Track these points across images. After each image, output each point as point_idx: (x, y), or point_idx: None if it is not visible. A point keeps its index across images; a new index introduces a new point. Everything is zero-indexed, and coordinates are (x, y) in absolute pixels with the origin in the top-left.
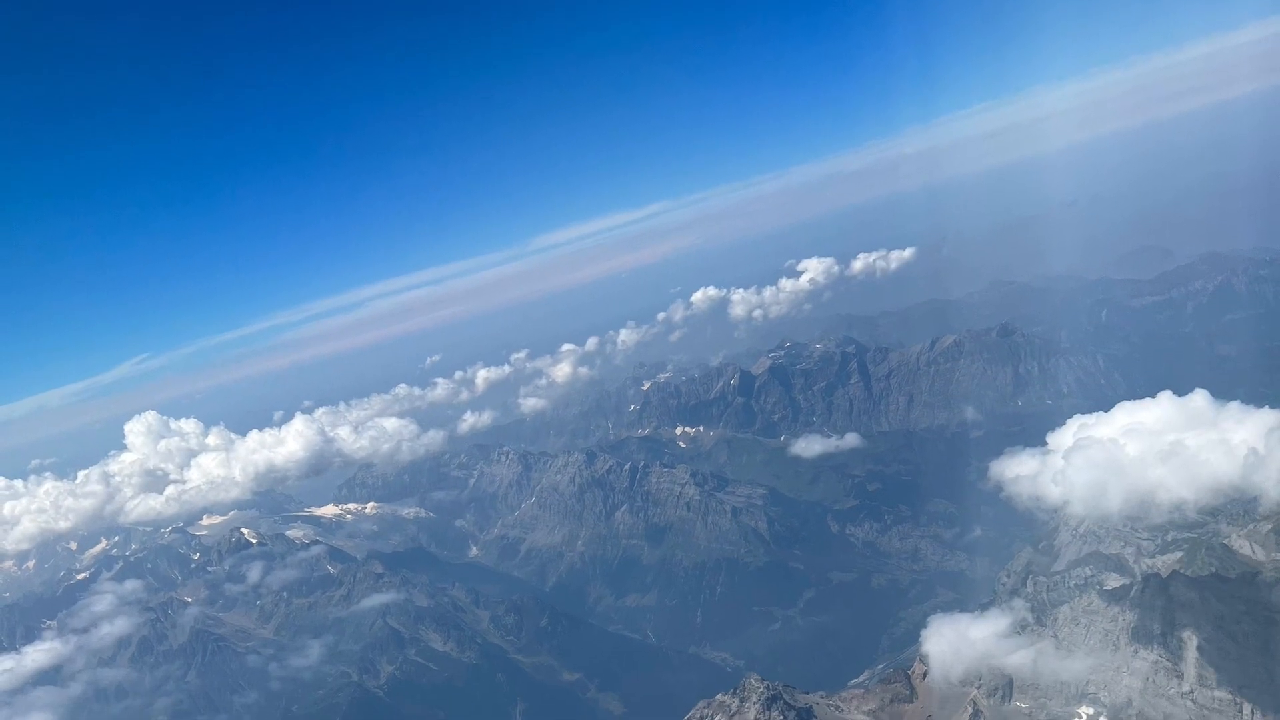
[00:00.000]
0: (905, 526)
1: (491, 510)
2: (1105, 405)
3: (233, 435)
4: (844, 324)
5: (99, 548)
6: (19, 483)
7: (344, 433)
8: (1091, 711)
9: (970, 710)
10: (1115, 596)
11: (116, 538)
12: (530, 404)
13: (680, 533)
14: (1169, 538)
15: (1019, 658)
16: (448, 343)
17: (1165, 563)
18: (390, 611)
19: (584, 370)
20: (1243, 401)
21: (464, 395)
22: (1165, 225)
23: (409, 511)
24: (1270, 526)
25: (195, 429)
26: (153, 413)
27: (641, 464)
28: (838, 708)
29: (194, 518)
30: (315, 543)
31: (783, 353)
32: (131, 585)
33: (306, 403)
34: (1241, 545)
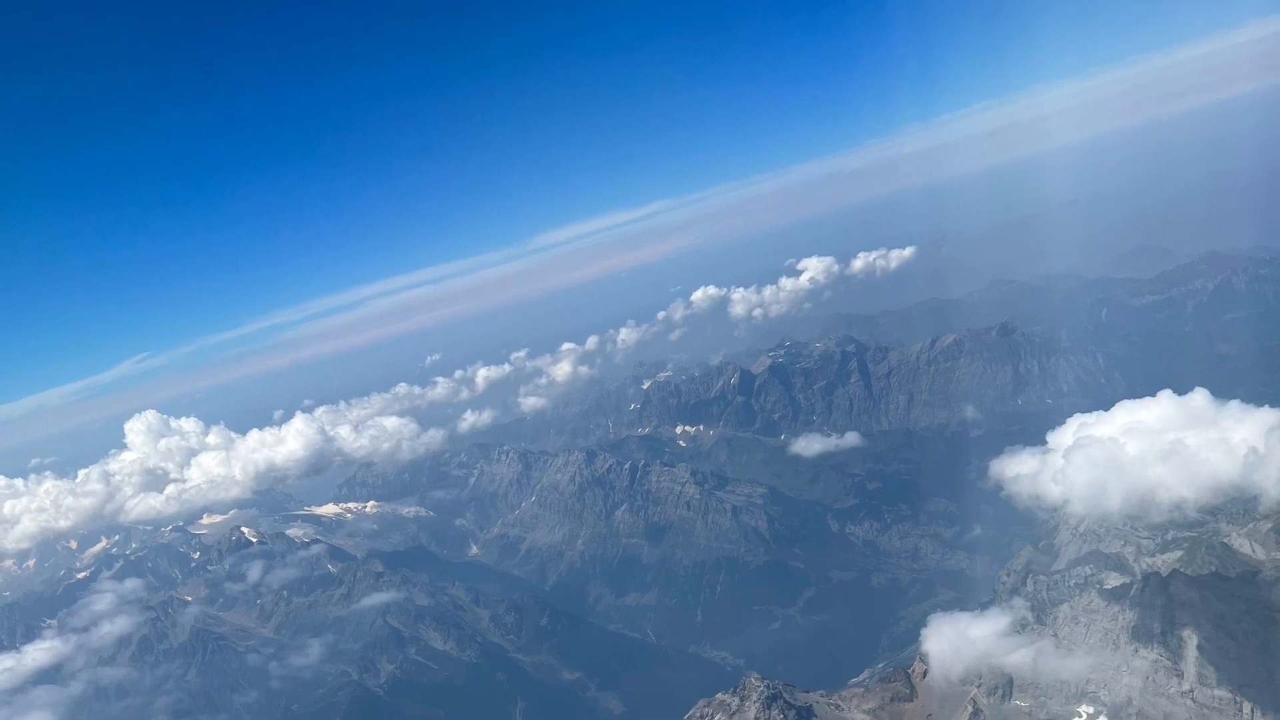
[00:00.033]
0: (905, 525)
1: (491, 509)
2: (1105, 404)
3: (233, 434)
4: (844, 323)
5: (99, 547)
6: (19, 481)
7: (344, 432)
8: (1091, 710)
9: (970, 709)
10: (1115, 595)
11: (117, 536)
12: (530, 403)
13: (680, 532)
14: (1169, 537)
15: (1019, 657)
16: (448, 341)
17: (1165, 561)
18: (390, 610)
19: (584, 369)
20: (1243, 400)
21: (464, 394)
22: (1165, 224)
23: (409, 510)
24: (1270, 525)
25: (195, 428)
26: (153, 412)
27: (641, 463)
28: (838, 706)
29: (194, 517)
30: (315, 542)
31: (783, 352)
32: (132, 584)
33: (307, 401)
34: (1241, 544)
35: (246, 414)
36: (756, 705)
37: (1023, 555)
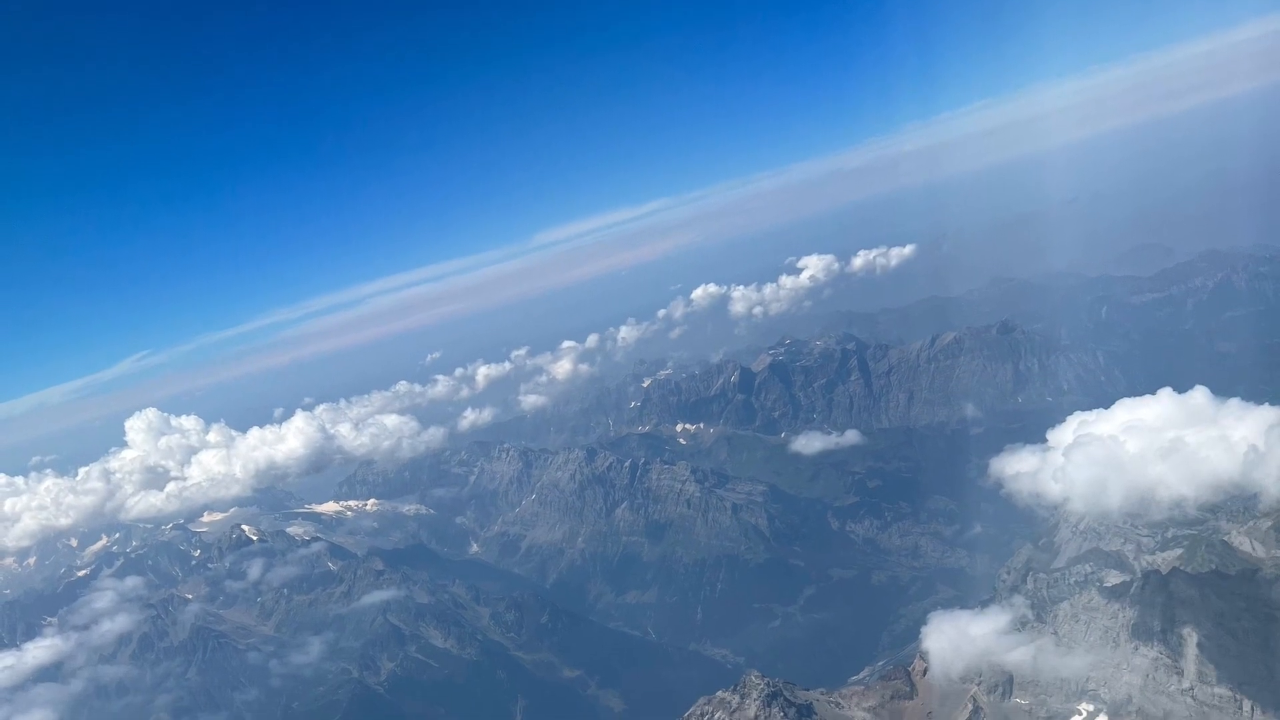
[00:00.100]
0: (905, 523)
1: (492, 507)
2: (1105, 402)
3: (233, 432)
4: (844, 321)
5: (100, 544)
6: (20, 479)
7: (344, 430)
8: (1091, 708)
9: (970, 707)
10: (1115, 593)
11: (117, 534)
12: (531, 401)
13: (680, 530)
14: (1169, 534)
15: (1019, 654)
16: (448, 340)
17: (1165, 559)
18: (391, 608)
19: (584, 367)
20: (1243, 398)
21: (464, 392)
22: (1165, 222)
23: (409, 508)
24: (1270, 523)
25: (196, 426)
26: (153, 410)
27: (642, 461)
28: (838, 704)
29: (195, 514)
30: (316, 540)
31: (783, 350)
32: (132, 582)
33: (307, 400)
34: (1241, 542)
35: (247, 412)
36: (757, 703)
37: (1023, 553)
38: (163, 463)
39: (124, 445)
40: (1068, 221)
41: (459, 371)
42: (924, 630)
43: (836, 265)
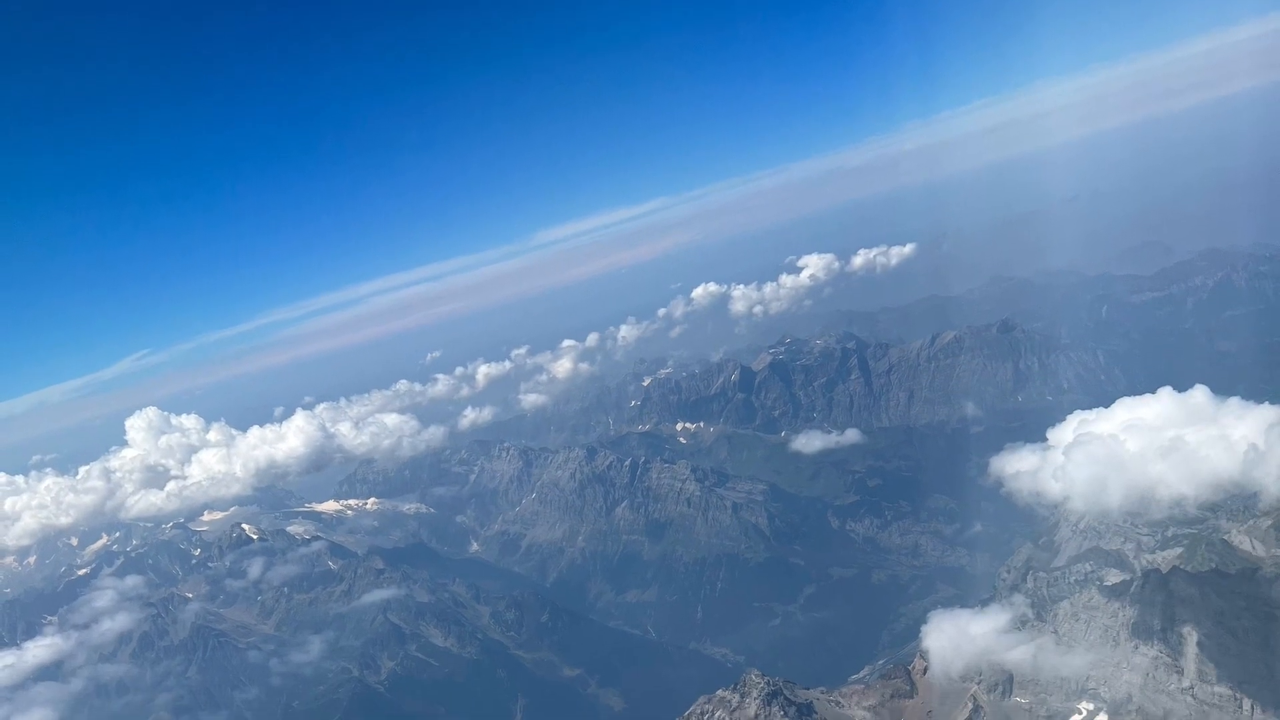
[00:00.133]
0: (905, 522)
1: (492, 506)
2: (1105, 401)
3: (234, 431)
4: (844, 320)
5: (100, 543)
6: (20, 478)
7: (345, 429)
8: (1091, 707)
9: (970, 706)
10: (1115, 592)
11: (117, 533)
12: (531, 400)
13: (681, 528)
14: (1169, 533)
15: (1019, 653)
16: (448, 339)
17: (1165, 558)
18: (391, 607)
19: (584, 366)
20: (1243, 397)
21: (465, 391)
22: (1165, 221)
23: (410, 507)
24: (1270, 522)
25: (196, 425)
26: (153, 408)
27: (642, 460)
28: (838, 703)
29: (195, 513)
30: (316, 538)
31: (783, 348)
32: (132, 581)
33: (307, 399)
34: (1241, 541)
35: (247, 411)
36: (757, 702)
37: (1023, 552)
38: (163, 461)
39: (124, 444)
40: (1068, 220)
41: (459, 370)
42: (924, 629)
43: (837, 264)
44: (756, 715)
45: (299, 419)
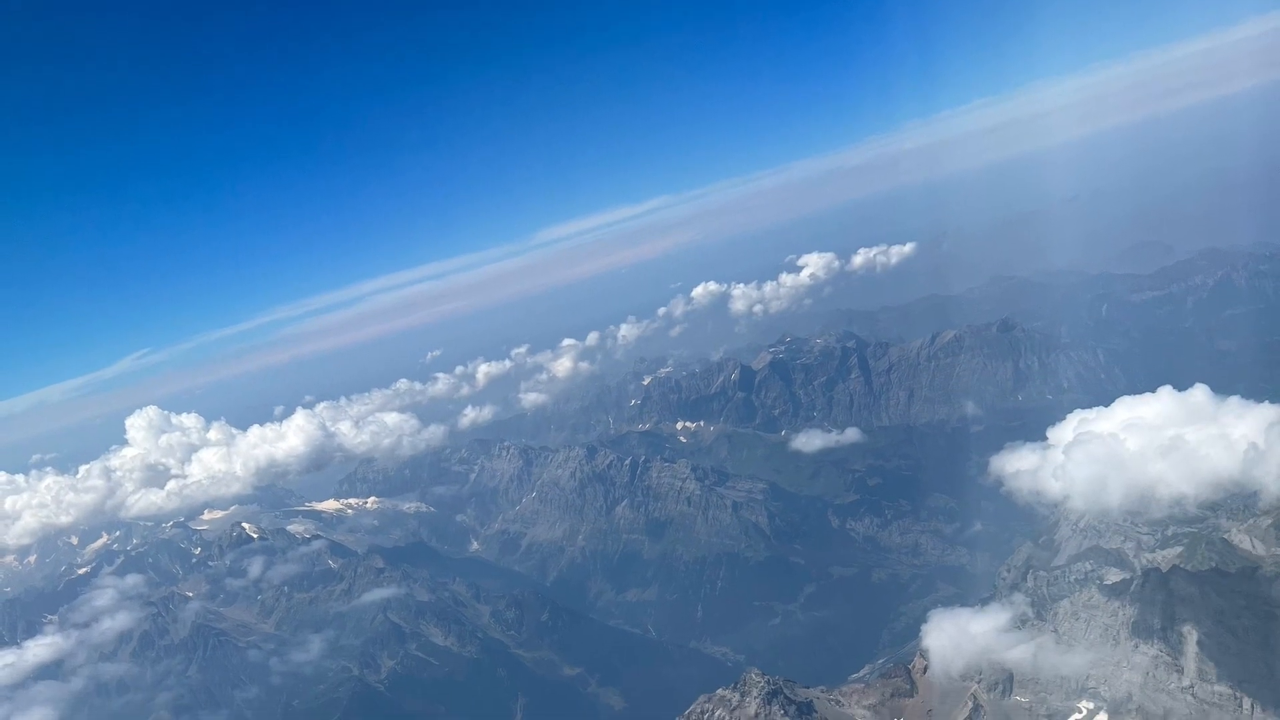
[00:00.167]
0: (906, 521)
1: (492, 505)
2: (1105, 400)
3: (234, 430)
4: (844, 319)
5: (100, 542)
6: (20, 478)
7: (345, 428)
8: (1091, 706)
9: (970, 705)
10: (1115, 591)
11: (118, 532)
12: (531, 399)
13: (681, 527)
14: (1169, 532)
15: (1019, 652)
16: (448, 338)
17: (1165, 557)
18: (391, 606)
19: (584, 365)
20: (1243, 396)
21: (465, 390)
22: (1165, 220)
23: (410, 506)
24: (1270, 521)
25: (196, 424)
26: (154, 408)
27: (642, 459)
28: (838, 702)
29: (195, 512)
30: (316, 537)
31: (783, 348)
32: (133, 580)
33: (307, 397)
34: (1241, 540)
35: (247, 410)
36: (757, 701)
37: (1023, 551)
38: (163, 460)
39: (124, 443)
40: (1068, 219)
41: (459, 369)
42: (924, 628)
43: (837, 263)
44: (757, 714)
45: (299, 418)
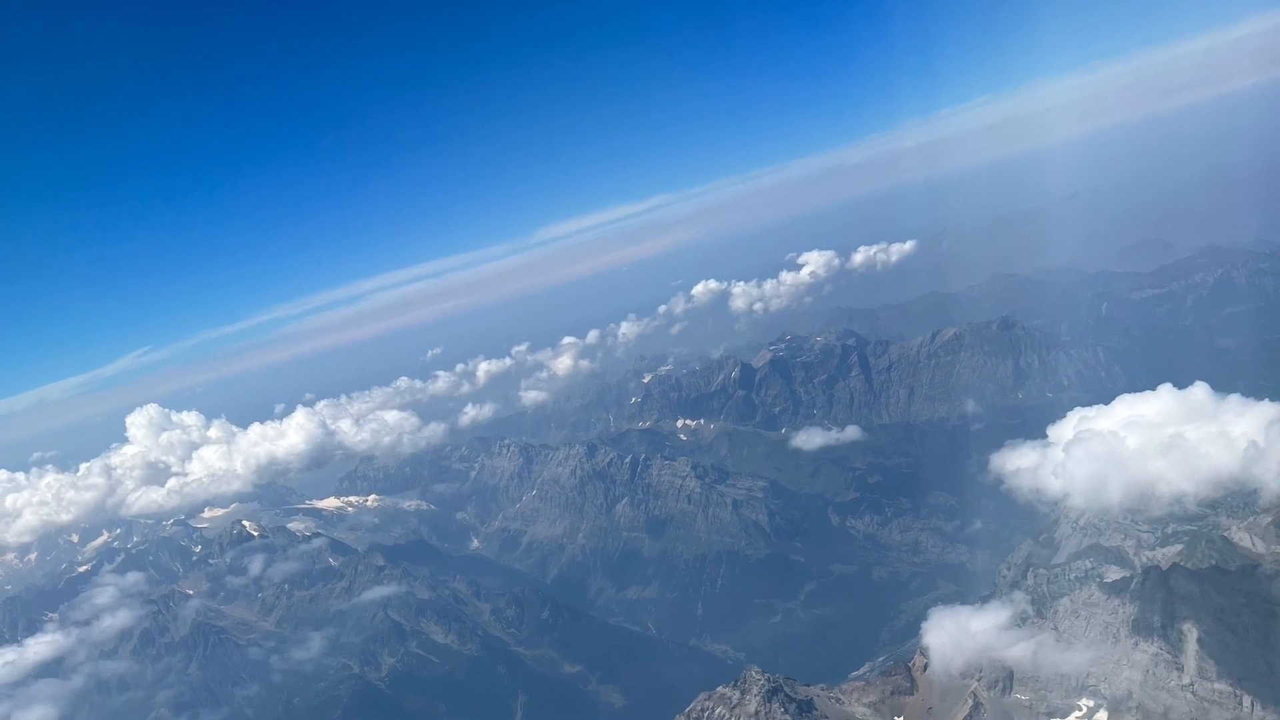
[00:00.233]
0: (906, 519)
1: (493, 503)
2: (1105, 398)
3: (234, 428)
4: (844, 317)
5: (100, 540)
6: (20, 475)
7: (345, 425)
8: (1091, 704)
9: (971, 702)
10: (1115, 589)
11: (118, 530)
12: (531, 397)
13: (681, 525)
14: (1169, 530)
15: (1019, 650)
16: (449, 335)
17: (1165, 555)
18: (391, 604)
19: (585, 363)
20: (1243, 394)
21: (465, 388)
22: (1165, 218)
23: (410, 504)
24: (1270, 519)
25: (197, 422)
26: (154, 405)
27: (642, 456)
28: (838, 700)
29: (195, 510)
30: (316, 535)
31: (783, 345)
32: (133, 578)
33: (308, 395)
34: (1241, 538)
35: (248, 408)
36: (757, 698)
37: (1023, 549)
38: (164, 458)
39: (125, 441)
40: (1068, 217)
41: (460, 367)
42: (924, 626)
43: (837, 261)
44: (757, 712)
45: (300, 416)
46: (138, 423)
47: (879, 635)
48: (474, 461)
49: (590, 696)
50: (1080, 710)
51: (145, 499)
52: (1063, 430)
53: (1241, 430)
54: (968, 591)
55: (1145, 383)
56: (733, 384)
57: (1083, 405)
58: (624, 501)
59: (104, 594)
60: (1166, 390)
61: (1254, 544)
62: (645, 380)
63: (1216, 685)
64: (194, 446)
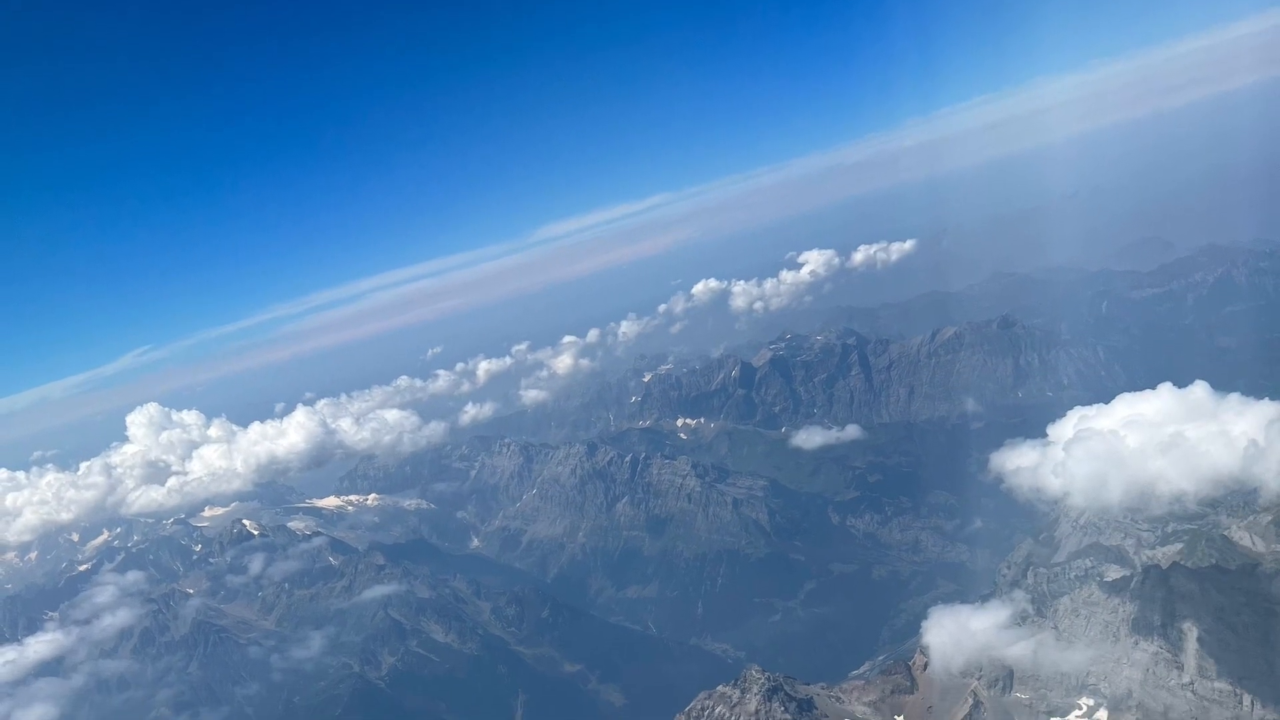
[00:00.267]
0: (906, 518)
1: (493, 502)
2: (1105, 397)
3: (234, 427)
4: (844, 316)
5: (101, 539)
6: (21, 474)
7: (345, 424)
8: (1092, 702)
9: (971, 701)
10: (1115, 588)
11: (118, 529)
12: (531, 395)
13: (681, 524)
14: (1169, 529)
15: (1019, 649)
16: (449, 334)
17: (1165, 554)
18: (392, 603)
19: (585, 362)
20: (1243, 393)
21: (465, 387)
22: (1165, 217)
23: (410, 503)
24: (1270, 518)
25: (197, 420)
26: (154, 404)
27: (642, 455)
28: (838, 699)
29: (196, 509)
30: (317, 534)
31: (783, 344)
32: (133, 577)
33: (308, 394)
34: (1241, 537)
35: (248, 407)
36: (757, 697)
37: (1023, 548)
38: (164, 457)
39: (125, 440)
40: (1068, 216)
41: (460, 366)
42: (924, 625)
43: (837, 260)
44: (757, 711)
45: (300, 415)
46: (138, 422)
47: (879, 634)
48: (474, 460)
49: (590, 695)
50: (1080, 709)
51: (145, 498)
52: (1063, 429)
53: (1241, 429)
54: (968, 590)
55: (1145, 381)
56: (733, 383)
57: (1083, 404)
58: (624, 500)
59: (104, 593)
60: (1166, 389)
61: (1254, 543)
62: (645, 379)
63: (1216, 684)
64: (194, 445)
